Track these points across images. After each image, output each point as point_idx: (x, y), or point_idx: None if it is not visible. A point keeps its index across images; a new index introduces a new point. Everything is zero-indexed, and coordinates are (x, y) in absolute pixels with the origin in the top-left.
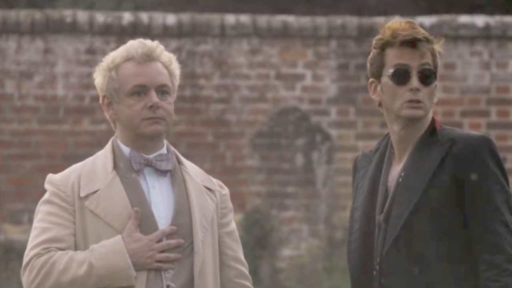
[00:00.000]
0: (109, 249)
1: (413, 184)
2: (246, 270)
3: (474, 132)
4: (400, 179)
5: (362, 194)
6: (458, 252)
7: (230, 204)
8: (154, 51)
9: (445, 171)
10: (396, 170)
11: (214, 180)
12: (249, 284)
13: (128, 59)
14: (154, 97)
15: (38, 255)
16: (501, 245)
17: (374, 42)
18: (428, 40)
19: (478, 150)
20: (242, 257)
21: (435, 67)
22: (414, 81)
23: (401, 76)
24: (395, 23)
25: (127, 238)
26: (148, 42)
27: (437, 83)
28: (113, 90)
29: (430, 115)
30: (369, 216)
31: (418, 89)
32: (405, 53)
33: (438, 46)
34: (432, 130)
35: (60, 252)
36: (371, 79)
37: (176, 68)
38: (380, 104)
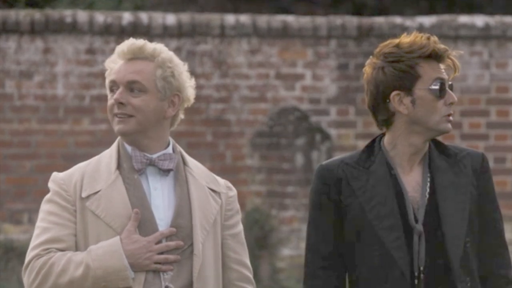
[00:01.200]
0: (106, 250)
1: (458, 196)
2: (249, 274)
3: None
4: (429, 190)
5: (383, 204)
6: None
7: (236, 206)
8: (136, 50)
9: (472, 184)
10: (412, 181)
11: (223, 181)
12: (250, 287)
13: (118, 56)
14: (117, 93)
15: (37, 256)
16: (510, 260)
17: (399, 54)
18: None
19: (488, 165)
20: (246, 260)
21: None
22: (454, 95)
23: (442, 90)
24: (420, 36)
25: (125, 239)
26: (137, 41)
27: None
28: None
29: None
30: (405, 225)
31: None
32: (439, 67)
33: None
34: (436, 143)
35: (59, 253)
36: (396, 91)
37: (169, 69)
38: (387, 119)
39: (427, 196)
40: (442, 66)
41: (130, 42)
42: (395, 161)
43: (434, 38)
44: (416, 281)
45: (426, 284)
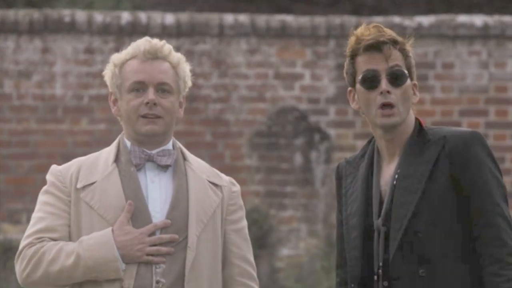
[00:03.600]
0: (97, 241)
1: (411, 186)
2: (251, 269)
3: (464, 128)
4: (395, 182)
5: (355, 201)
6: (461, 250)
7: (240, 202)
8: (159, 49)
9: (441, 170)
10: (388, 174)
11: (227, 177)
12: (252, 283)
13: (133, 56)
14: (151, 94)
15: (30, 244)
16: (503, 239)
17: (346, 51)
18: (394, 42)
19: (471, 146)
20: (249, 256)
21: (409, 67)
22: (383, 84)
23: (370, 80)
24: (362, 28)
25: (117, 230)
26: (155, 41)
27: (436, 82)
28: (116, 87)
29: (412, 116)
30: (366, 222)
31: (388, 92)
32: (372, 57)
33: (407, 46)
34: (420, 130)
35: (51, 243)
36: (349, 88)
37: (183, 69)
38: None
39: (394, 188)
40: (384, 55)
41: (152, 42)
42: (381, 154)
43: (375, 29)
44: (375, 277)
45: (385, 278)
